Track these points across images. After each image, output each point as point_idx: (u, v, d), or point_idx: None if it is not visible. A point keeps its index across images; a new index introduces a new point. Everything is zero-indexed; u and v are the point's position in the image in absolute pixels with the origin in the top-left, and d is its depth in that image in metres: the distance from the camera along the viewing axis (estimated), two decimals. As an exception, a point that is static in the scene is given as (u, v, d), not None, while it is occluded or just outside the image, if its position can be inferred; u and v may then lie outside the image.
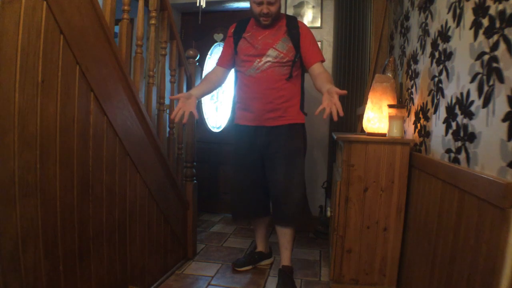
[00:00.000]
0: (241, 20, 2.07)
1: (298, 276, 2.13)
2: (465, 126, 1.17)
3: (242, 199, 2.11)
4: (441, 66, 1.44)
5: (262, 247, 2.31)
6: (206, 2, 2.86)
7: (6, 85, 1.00)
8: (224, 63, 2.07)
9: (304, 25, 2.00)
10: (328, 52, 2.98)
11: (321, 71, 1.87)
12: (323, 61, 1.94)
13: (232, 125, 2.13)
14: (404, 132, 1.95)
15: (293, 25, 1.97)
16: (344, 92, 1.51)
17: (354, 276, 1.86)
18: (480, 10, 1.10)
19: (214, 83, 2.04)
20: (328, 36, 3.01)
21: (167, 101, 2.13)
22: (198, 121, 2.78)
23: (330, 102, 1.50)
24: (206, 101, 3.54)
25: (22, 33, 1.03)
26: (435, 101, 1.49)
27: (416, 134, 1.76)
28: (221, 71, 2.08)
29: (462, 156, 1.18)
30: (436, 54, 1.51)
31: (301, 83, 2.03)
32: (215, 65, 2.11)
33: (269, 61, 1.91)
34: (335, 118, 1.44)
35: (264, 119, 1.95)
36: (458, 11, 1.30)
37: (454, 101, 1.28)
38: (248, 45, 1.96)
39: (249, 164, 2.04)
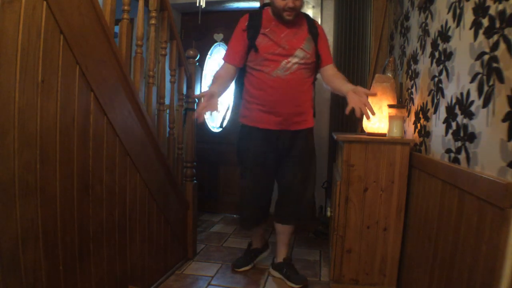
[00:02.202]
0: (253, 13, 1.94)
1: (298, 276, 2.13)
2: (465, 126, 1.17)
3: (254, 205, 2.02)
4: (441, 66, 1.44)
5: (258, 244, 2.29)
6: (206, 2, 2.86)
7: (6, 85, 1.00)
8: (237, 60, 1.90)
9: (319, 24, 1.99)
10: (328, 52, 2.98)
11: (336, 72, 1.88)
12: None
13: (240, 125, 1.99)
14: (404, 132, 1.95)
15: (312, 24, 1.92)
16: (374, 93, 1.55)
17: (354, 276, 1.86)
18: (480, 10, 1.10)
19: (227, 82, 1.91)
20: (328, 36, 2.99)
21: (167, 101, 2.12)
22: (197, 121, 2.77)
23: (360, 101, 1.50)
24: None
25: (22, 33, 1.03)
26: (435, 101, 1.49)
27: (416, 134, 1.76)
28: (232, 70, 1.92)
29: (462, 156, 1.18)
30: (436, 54, 1.51)
31: None
32: (223, 62, 1.94)
33: (296, 63, 1.82)
34: (368, 117, 1.50)
35: (290, 123, 1.88)
36: (458, 11, 1.30)
37: (454, 101, 1.28)
38: (271, 43, 1.82)
39: (266, 170, 1.95)
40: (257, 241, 2.28)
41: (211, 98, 1.66)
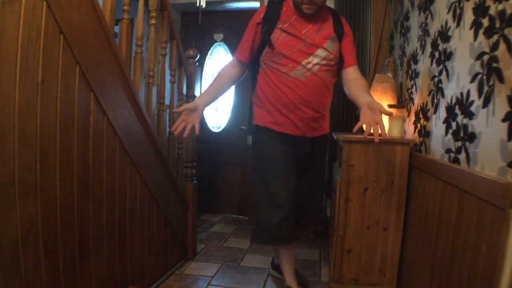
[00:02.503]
0: (271, 4, 1.66)
1: (298, 276, 2.13)
2: (465, 126, 1.17)
3: (285, 219, 1.62)
4: (441, 66, 1.44)
5: (291, 282, 1.81)
6: (206, 2, 2.86)
7: (6, 85, 1.00)
8: (248, 56, 1.69)
9: (346, 22, 1.72)
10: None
11: (358, 76, 1.63)
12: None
13: (253, 127, 1.76)
14: (404, 132, 1.95)
15: (338, 22, 1.68)
16: (391, 113, 1.30)
17: (354, 276, 1.86)
18: (480, 10, 1.10)
19: (230, 82, 1.74)
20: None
21: (167, 101, 2.12)
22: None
23: (372, 120, 1.28)
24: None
25: (22, 33, 1.03)
26: (435, 101, 1.49)
27: (416, 134, 1.76)
28: (241, 67, 1.73)
29: (462, 156, 1.18)
30: (436, 54, 1.51)
31: None
32: (233, 57, 1.75)
33: (317, 63, 1.58)
34: (377, 139, 1.25)
35: (310, 129, 1.67)
36: (458, 11, 1.30)
37: (454, 101, 1.28)
38: (290, 39, 1.58)
39: (293, 177, 1.69)
40: (292, 277, 1.81)
41: (193, 111, 1.57)
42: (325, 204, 3.04)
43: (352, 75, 1.63)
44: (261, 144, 1.71)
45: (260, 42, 1.64)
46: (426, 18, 1.69)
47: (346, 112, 2.87)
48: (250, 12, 3.24)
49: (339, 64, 1.66)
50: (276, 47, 1.58)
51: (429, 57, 1.61)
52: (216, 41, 3.47)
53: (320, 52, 1.59)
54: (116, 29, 1.54)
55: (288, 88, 1.60)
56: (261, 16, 1.63)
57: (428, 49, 1.63)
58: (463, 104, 1.20)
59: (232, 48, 3.41)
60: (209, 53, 3.50)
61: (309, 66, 1.58)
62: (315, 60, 1.58)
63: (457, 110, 1.25)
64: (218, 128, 3.54)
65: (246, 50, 1.68)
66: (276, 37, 1.59)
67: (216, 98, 1.76)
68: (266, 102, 1.67)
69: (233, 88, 3.46)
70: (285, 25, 1.60)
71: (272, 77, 1.63)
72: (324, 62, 1.59)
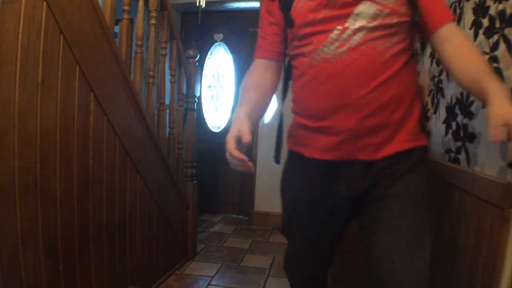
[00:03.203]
0: None
1: (298, 276, 2.13)
2: (465, 126, 1.17)
3: (301, 274, 1.23)
4: (441, 66, 1.44)
5: None
6: (206, 2, 2.86)
7: (6, 85, 1.00)
8: (269, 50, 1.10)
9: None
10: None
11: (462, 39, 0.94)
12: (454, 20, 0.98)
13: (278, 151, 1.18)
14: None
15: None
16: None
17: (354, 276, 1.86)
18: (480, 10, 1.10)
19: (263, 93, 1.10)
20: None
21: (167, 101, 2.13)
22: (198, 121, 2.77)
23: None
24: (206, 101, 3.54)
25: (22, 33, 1.03)
26: (435, 101, 1.49)
27: (416, 134, 1.76)
28: (268, 68, 1.11)
29: (462, 156, 1.18)
30: (436, 54, 1.51)
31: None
32: (256, 60, 1.13)
33: (363, 28, 0.90)
34: (511, 159, 0.85)
35: (359, 148, 0.95)
36: (458, 11, 1.30)
37: (454, 101, 1.28)
38: (312, 2, 0.96)
39: (317, 235, 1.12)
40: None
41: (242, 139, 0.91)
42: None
43: (452, 41, 0.92)
44: (283, 178, 1.17)
45: (281, 26, 1.06)
46: (426, 18, 1.69)
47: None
48: (250, 12, 3.25)
49: (413, 23, 0.93)
50: (295, 21, 0.99)
51: (429, 57, 1.61)
52: (216, 41, 3.48)
53: (364, 8, 0.90)
54: (116, 29, 1.54)
55: (314, 78, 0.94)
56: None
57: (428, 49, 1.63)
58: (463, 104, 1.20)
59: (232, 48, 3.42)
60: (209, 53, 3.50)
61: (346, 35, 0.91)
62: (358, 23, 0.90)
63: (457, 110, 1.25)
64: (218, 128, 3.54)
65: (267, 41, 1.10)
66: (295, 9, 1.00)
67: (257, 116, 1.13)
68: (294, 112, 1.08)
69: (233, 87, 3.49)
70: None
71: (296, 70, 1.03)
72: (374, 23, 0.90)
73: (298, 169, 1.09)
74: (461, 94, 1.22)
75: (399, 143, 0.96)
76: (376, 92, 0.91)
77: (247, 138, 0.88)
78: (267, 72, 1.11)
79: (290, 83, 1.11)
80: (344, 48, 0.91)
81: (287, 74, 1.16)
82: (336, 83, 0.91)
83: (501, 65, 0.96)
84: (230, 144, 0.90)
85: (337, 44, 0.91)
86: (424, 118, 1.22)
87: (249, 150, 3.28)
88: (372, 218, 0.98)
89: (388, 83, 0.91)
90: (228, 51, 3.43)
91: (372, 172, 0.97)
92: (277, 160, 1.16)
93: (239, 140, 0.90)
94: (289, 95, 1.12)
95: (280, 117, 1.20)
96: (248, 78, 1.12)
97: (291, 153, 1.12)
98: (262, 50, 1.13)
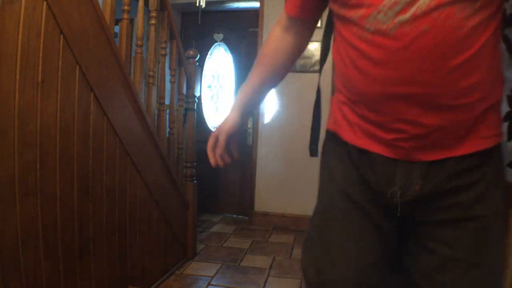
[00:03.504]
0: None
1: (298, 277, 2.13)
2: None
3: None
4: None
5: None
6: (206, 2, 2.86)
7: (6, 85, 1.00)
8: (304, 8, 0.83)
9: None
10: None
11: None
12: None
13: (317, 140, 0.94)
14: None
15: None
16: None
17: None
18: (480, 10, 1.09)
19: (279, 67, 0.89)
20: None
21: (167, 101, 2.13)
22: (198, 121, 2.77)
23: None
24: (206, 101, 3.54)
25: (22, 33, 1.03)
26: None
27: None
28: (298, 29, 0.86)
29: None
30: None
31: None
32: (283, 13, 0.87)
33: None
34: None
35: (424, 146, 0.68)
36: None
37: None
38: None
39: (362, 250, 0.76)
40: None
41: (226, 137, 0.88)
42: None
43: None
44: (321, 160, 0.86)
45: None
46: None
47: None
48: (250, 12, 3.25)
49: None
50: None
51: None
52: (216, 41, 3.47)
53: None
54: (116, 29, 1.54)
55: (361, 56, 0.67)
56: None
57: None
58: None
59: (232, 48, 3.42)
60: (209, 53, 3.50)
61: None
62: None
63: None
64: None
65: None
66: None
67: (264, 90, 0.93)
68: (336, 89, 0.80)
69: (233, 87, 3.49)
70: None
71: (341, 39, 0.73)
72: None
73: (333, 150, 0.81)
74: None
75: (478, 141, 0.67)
76: (452, 77, 0.61)
77: (219, 149, 0.88)
78: (288, 35, 0.86)
79: (332, 47, 0.81)
80: (407, 15, 0.60)
81: (328, 31, 0.87)
82: (396, 66, 0.63)
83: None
84: (210, 140, 0.90)
85: (397, 8, 0.60)
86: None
87: (249, 150, 3.28)
88: (447, 245, 0.68)
89: (468, 66, 0.61)
90: (228, 51, 3.43)
91: (440, 176, 0.67)
92: (313, 151, 0.91)
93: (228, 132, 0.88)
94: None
95: (317, 92, 0.93)
96: (265, 43, 0.91)
97: (329, 137, 0.82)
98: (289, 3, 0.85)
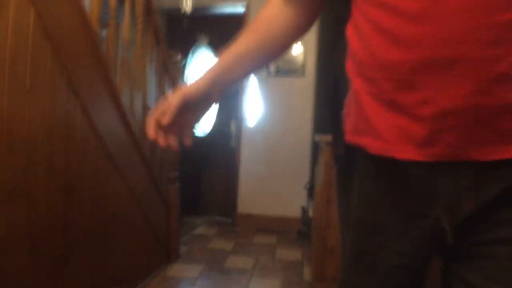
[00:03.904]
0: None
1: (281, 277, 2.18)
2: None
3: None
4: None
5: None
6: (192, 7, 2.89)
7: (-6, 89, 1.01)
8: None
9: None
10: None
11: None
12: None
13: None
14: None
15: None
16: None
17: (337, 274, 1.92)
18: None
19: (271, 40, 0.70)
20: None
21: (151, 105, 2.14)
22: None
23: None
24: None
25: (10, 39, 1.04)
26: None
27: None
28: (301, 2, 0.67)
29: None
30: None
31: None
32: None
33: None
34: None
35: (473, 140, 0.46)
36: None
37: None
38: None
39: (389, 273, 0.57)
40: None
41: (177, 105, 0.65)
42: (308, 205, 3.10)
43: None
44: (339, 196, 0.72)
45: None
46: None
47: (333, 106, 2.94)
48: (235, 17, 3.29)
49: None
50: None
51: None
52: (201, 45, 3.50)
53: None
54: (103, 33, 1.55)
55: (389, 14, 0.49)
56: None
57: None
58: None
59: (218, 52, 3.44)
60: (193, 56, 3.52)
61: None
62: None
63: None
64: (202, 133, 3.56)
65: None
66: None
67: (246, 62, 0.74)
68: (356, 82, 0.57)
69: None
70: None
71: (362, 3, 0.54)
72: None
73: (358, 178, 0.60)
74: None
75: None
76: (508, 35, 0.43)
77: (167, 117, 0.64)
78: (289, 7, 0.67)
79: (344, 28, 0.63)
80: None
81: (336, 18, 0.68)
82: (434, 22, 0.46)
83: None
84: (158, 107, 0.67)
85: None
86: None
87: (232, 152, 3.32)
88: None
89: None
90: (213, 55, 3.47)
91: (497, 183, 0.48)
92: (339, 159, 0.69)
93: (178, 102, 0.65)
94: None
95: (334, 83, 0.72)
96: (261, 11, 0.72)
97: (348, 150, 0.62)
98: None
